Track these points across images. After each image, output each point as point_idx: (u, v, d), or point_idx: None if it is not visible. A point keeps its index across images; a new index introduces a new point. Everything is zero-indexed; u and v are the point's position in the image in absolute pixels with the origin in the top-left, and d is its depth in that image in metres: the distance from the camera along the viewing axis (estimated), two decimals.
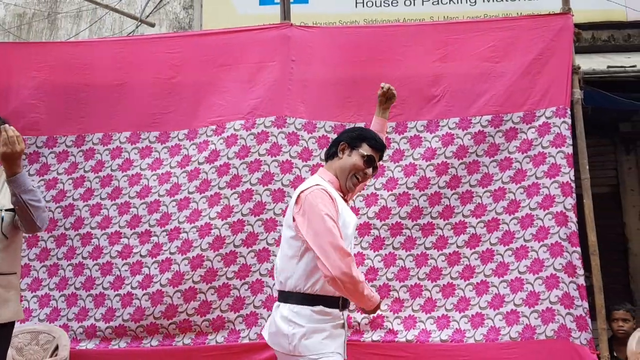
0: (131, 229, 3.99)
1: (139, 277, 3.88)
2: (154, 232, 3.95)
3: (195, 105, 4.17)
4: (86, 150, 4.20)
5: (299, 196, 2.50)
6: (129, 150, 4.16)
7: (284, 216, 3.86)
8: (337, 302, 2.52)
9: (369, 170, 2.69)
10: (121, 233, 3.98)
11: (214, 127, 4.11)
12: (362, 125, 4.05)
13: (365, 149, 2.67)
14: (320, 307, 2.46)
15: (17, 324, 3.04)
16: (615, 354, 4.01)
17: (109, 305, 3.88)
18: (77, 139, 4.22)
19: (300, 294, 2.46)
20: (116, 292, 3.89)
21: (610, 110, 5.12)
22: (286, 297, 2.51)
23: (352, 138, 2.70)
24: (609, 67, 4.41)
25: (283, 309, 2.49)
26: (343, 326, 2.56)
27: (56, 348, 3.69)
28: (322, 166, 2.81)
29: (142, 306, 3.82)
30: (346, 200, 2.67)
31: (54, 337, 3.74)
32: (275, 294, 3.69)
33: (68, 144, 4.24)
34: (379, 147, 2.71)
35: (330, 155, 2.72)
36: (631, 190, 6.13)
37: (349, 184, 2.64)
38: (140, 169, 4.12)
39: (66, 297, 3.99)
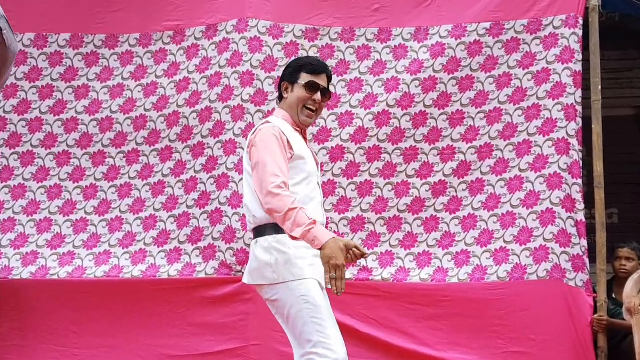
0: (82, 150, 4.01)
1: (95, 202, 3.98)
2: (109, 153, 3.99)
3: (146, 3, 4.05)
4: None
5: (249, 140, 2.74)
6: (72, 57, 4.05)
7: (243, 137, 3.87)
8: None
9: (317, 96, 2.77)
10: (70, 153, 4.02)
11: (170, 32, 4.04)
12: (339, 30, 3.99)
13: (303, 78, 2.78)
14: None
15: None
16: (614, 297, 3.95)
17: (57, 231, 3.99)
18: None
19: (276, 224, 2.56)
20: (66, 218, 3.97)
21: None
22: (262, 230, 2.63)
23: (290, 74, 2.85)
24: None
25: (262, 242, 2.62)
26: None
27: None
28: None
29: (97, 233, 3.94)
30: (304, 137, 2.81)
31: None
32: (234, 225, 3.77)
33: None
34: (319, 69, 2.81)
35: (279, 98, 2.91)
36: None
37: (302, 118, 2.77)
38: (87, 79, 4.04)
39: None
